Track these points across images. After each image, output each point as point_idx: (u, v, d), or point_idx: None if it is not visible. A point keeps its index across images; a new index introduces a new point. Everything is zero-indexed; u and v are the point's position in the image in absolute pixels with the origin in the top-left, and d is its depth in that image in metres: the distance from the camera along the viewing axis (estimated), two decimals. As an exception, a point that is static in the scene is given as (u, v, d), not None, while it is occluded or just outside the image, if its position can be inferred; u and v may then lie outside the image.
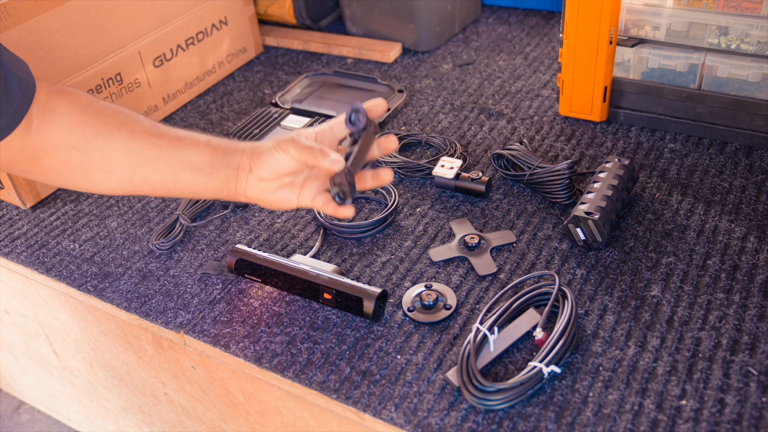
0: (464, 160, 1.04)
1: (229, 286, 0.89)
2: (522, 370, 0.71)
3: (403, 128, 1.16)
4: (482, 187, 0.97)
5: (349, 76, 1.31)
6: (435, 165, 1.01)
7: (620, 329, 0.76)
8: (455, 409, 0.70)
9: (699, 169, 0.99)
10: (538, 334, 0.74)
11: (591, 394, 0.70)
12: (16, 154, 0.73)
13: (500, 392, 0.68)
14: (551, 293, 0.78)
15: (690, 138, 1.05)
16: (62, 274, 0.94)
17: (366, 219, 0.97)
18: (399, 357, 0.76)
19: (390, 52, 1.36)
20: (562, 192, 0.93)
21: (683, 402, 0.68)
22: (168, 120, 1.25)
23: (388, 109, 1.19)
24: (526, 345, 0.76)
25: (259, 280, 0.87)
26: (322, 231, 0.96)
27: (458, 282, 0.85)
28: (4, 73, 0.68)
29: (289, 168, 0.76)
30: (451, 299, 0.82)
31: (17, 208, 1.08)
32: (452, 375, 0.73)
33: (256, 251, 0.88)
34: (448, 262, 0.88)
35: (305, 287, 0.83)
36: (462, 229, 0.92)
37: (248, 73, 1.38)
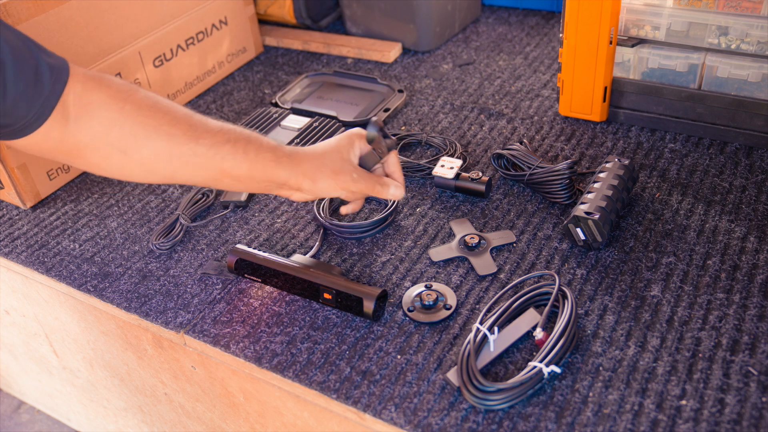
0: (464, 160, 1.04)
1: (229, 286, 0.89)
2: (522, 370, 0.71)
3: (403, 128, 1.16)
4: (482, 187, 0.97)
5: (349, 76, 1.31)
6: (435, 165, 1.01)
7: (620, 329, 0.76)
8: (455, 409, 0.70)
9: (699, 169, 0.99)
10: (538, 334, 0.74)
11: (591, 394, 0.70)
12: (56, 145, 0.71)
13: (500, 392, 0.68)
14: (551, 293, 0.78)
15: (690, 138, 1.05)
16: (62, 274, 0.94)
17: (366, 219, 0.97)
18: (399, 357, 0.76)
19: (390, 52, 1.36)
20: (562, 192, 0.93)
21: (683, 402, 0.68)
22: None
23: (387, 109, 1.19)
24: (526, 345, 0.76)
25: (259, 280, 0.87)
26: (321, 231, 0.96)
27: (458, 282, 0.85)
28: (36, 62, 0.66)
29: (338, 195, 0.82)
30: (451, 299, 0.82)
31: (17, 208, 1.08)
32: (452, 375, 0.73)
33: (256, 251, 0.88)
34: (448, 262, 0.88)
35: (305, 287, 0.83)
36: (462, 229, 0.92)
37: (248, 73, 1.38)
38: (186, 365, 0.89)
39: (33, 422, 1.56)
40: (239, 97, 1.30)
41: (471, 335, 0.74)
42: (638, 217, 0.91)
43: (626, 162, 0.92)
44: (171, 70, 1.25)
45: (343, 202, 0.90)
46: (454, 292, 0.83)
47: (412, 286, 0.85)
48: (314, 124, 1.12)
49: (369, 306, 0.79)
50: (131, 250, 0.97)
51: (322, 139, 1.09)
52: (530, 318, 0.77)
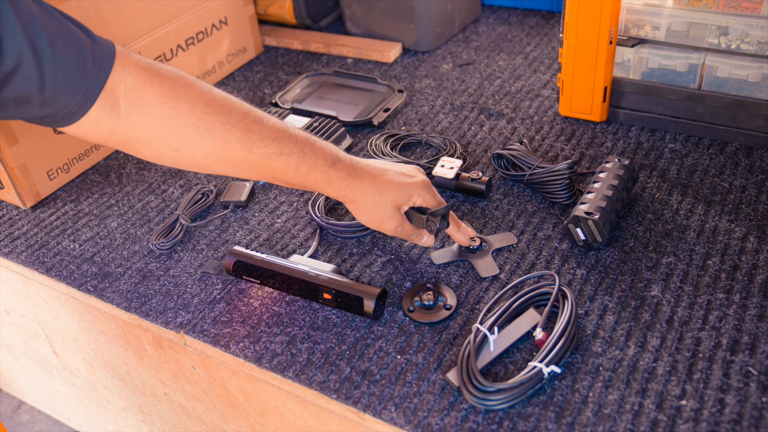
0: (464, 160, 1.04)
1: (229, 286, 0.89)
2: (522, 370, 0.71)
3: (403, 128, 1.16)
4: (482, 187, 0.97)
5: (349, 76, 1.31)
6: (435, 165, 1.01)
7: (620, 329, 0.76)
8: (455, 409, 0.70)
9: (699, 169, 0.99)
10: (538, 334, 0.74)
11: (591, 394, 0.70)
12: (109, 137, 0.71)
13: (500, 392, 0.68)
14: (551, 293, 0.78)
15: (690, 138, 1.05)
16: (62, 274, 0.94)
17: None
18: (399, 357, 0.76)
19: (390, 52, 1.36)
20: (562, 192, 0.93)
21: (683, 402, 0.68)
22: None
23: (387, 109, 1.19)
24: (526, 345, 0.76)
25: (258, 281, 0.87)
26: (318, 231, 0.96)
27: (458, 282, 0.85)
28: (77, 49, 0.65)
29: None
30: (452, 299, 0.82)
31: (17, 208, 1.08)
32: (452, 375, 0.73)
33: (254, 253, 0.88)
34: (449, 263, 0.88)
35: (305, 287, 0.83)
36: (462, 230, 0.92)
37: (248, 73, 1.38)
38: (186, 365, 0.89)
39: (33, 422, 1.56)
40: (239, 97, 1.30)
41: (471, 335, 0.74)
42: (638, 217, 0.91)
43: (626, 162, 0.92)
44: (171, 70, 1.24)
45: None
46: (454, 292, 0.83)
47: (412, 286, 0.85)
48: (314, 124, 1.12)
49: (369, 305, 0.79)
50: (131, 250, 0.97)
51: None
52: (530, 318, 0.77)
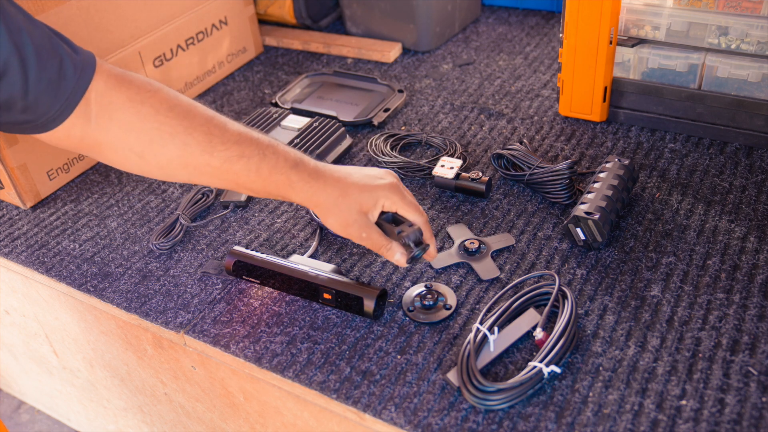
0: (464, 160, 1.04)
1: (229, 286, 0.89)
2: (522, 370, 0.71)
3: (403, 128, 1.16)
4: (482, 187, 0.97)
5: (349, 76, 1.31)
6: (435, 165, 1.01)
7: (620, 329, 0.76)
8: (455, 409, 0.70)
9: (699, 169, 0.99)
10: (538, 334, 0.74)
11: (591, 394, 0.70)
12: (78, 142, 0.72)
13: (500, 392, 0.68)
14: (551, 293, 0.78)
15: (690, 138, 1.05)
16: (62, 274, 0.94)
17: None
18: (399, 357, 0.76)
19: (390, 52, 1.36)
20: (562, 192, 0.93)
21: (683, 402, 0.68)
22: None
23: (387, 109, 1.19)
24: (526, 345, 0.76)
25: (258, 281, 0.87)
26: (318, 231, 0.96)
27: (458, 282, 0.85)
28: (60, 58, 0.67)
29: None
30: (451, 299, 0.82)
31: (17, 208, 1.08)
32: (452, 375, 0.73)
33: (254, 253, 0.88)
34: (448, 267, 0.88)
35: (305, 287, 0.83)
36: (460, 234, 0.92)
37: (248, 73, 1.38)
38: (186, 365, 0.89)
39: (33, 422, 1.56)
40: (239, 97, 1.30)
41: (471, 335, 0.74)
42: (638, 217, 0.91)
43: (626, 162, 0.92)
44: (171, 70, 1.25)
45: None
46: (454, 292, 0.83)
47: (412, 286, 0.85)
48: (314, 124, 1.12)
49: (369, 305, 0.79)
50: (131, 250, 0.97)
51: (322, 139, 1.09)
52: (530, 318, 0.77)
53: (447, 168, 0.99)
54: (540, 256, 0.87)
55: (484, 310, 0.77)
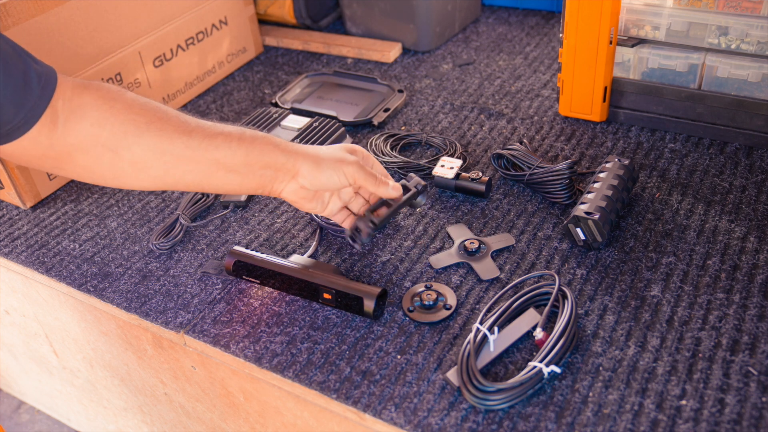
0: (464, 160, 1.04)
1: (229, 286, 0.89)
2: (522, 370, 0.71)
3: (403, 128, 1.16)
4: (482, 187, 0.97)
5: (348, 76, 1.31)
6: (435, 165, 1.01)
7: (620, 329, 0.76)
8: (455, 409, 0.70)
9: (699, 169, 0.99)
10: (538, 334, 0.74)
11: (591, 394, 0.70)
12: (46, 151, 0.71)
13: (500, 392, 0.68)
14: (551, 293, 0.78)
15: (690, 138, 1.05)
16: (62, 274, 0.94)
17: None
18: (399, 357, 0.76)
19: (390, 52, 1.36)
20: (562, 192, 0.93)
21: (683, 402, 0.68)
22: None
23: (387, 109, 1.19)
24: (526, 345, 0.76)
25: (258, 281, 0.87)
26: (318, 231, 0.96)
27: (458, 282, 0.85)
28: (24, 67, 0.66)
29: (337, 188, 0.80)
30: (451, 299, 0.82)
31: (17, 208, 1.08)
32: (452, 375, 0.73)
33: (254, 253, 0.88)
34: (448, 267, 0.88)
35: (305, 287, 0.83)
36: (460, 234, 0.92)
37: (248, 73, 1.38)
38: (186, 365, 0.89)
39: (33, 422, 1.56)
40: (239, 97, 1.30)
41: (471, 335, 0.74)
42: (638, 217, 0.91)
43: (626, 162, 0.92)
44: (171, 70, 1.25)
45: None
46: (454, 292, 0.83)
47: (412, 286, 0.85)
48: (314, 124, 1.12)
49: (369, 305, 0.79)
50: (131, 250, 0.97)
51: (322, 140, 1.09)
52: (530, 318, 0.77)
53: (447, 168, 0.99)
54: (540, 256, 0.87)
55: (484, 311, 0.77)
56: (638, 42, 1.04)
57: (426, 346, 0.77)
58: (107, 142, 0.71)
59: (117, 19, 1.13)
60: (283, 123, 1.15)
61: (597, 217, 0.84)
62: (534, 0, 1.49)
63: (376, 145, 1.09)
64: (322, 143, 1.08)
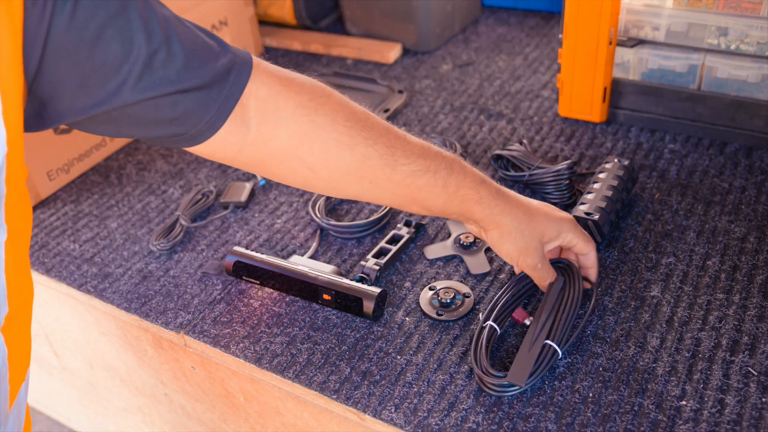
0: (464, 161, 1.04)
1: (229, 286, 0.89)
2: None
3: (403, 129, 1.16)
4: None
5: (348, 77, 1.31)
6: (435, 165, 1.01)
7: (620, 330, 0.76)
8: (455, 410, 0.70)
9: (699, 170, 0.99)
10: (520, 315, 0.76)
11: (591, 394, 0.70)
12: (235, 155, 0.65)
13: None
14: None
15: (690, 138, 1.05)
16: (62, 275, 0.94)
17: (366, 219, 0.97)
18: (399, 357, 0.76)
19: (390, 52, 1.37)
20: (562, 192, 0.93)
21: (683, 402, 0.68)
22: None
23: (387, 110, 1.19)
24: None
25: (258, 282, 0.87)
26: (318, 231, 0.96)
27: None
28: (214, 63, 0.59)
29: (552, 242, 0.76)
30: (464, 289, 0.83)
31: (17, 208, 1.08)
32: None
33: (254, 253, 0.88)
34: (446, 261, 0.88)
35: (304, 288, 0.83)
36: (458, 228, 0.92)
37: (248, 74, 1.38)
38: (186, 366, 0.89)
39: (33, 422, 1.56)
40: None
41: (485, 332, 0.74)
42: (638, 217, 0.91)
43: (626, 162, 0.92)
44: (171, 70, 1.24)
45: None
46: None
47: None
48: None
49: (369, 306, 0.79)
50: (131, 250, 0.97)
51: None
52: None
53: (447, 168, 0.99)
54: (540, 257, 0.87)
55: (488, 308, 0.77)
56: (638, 43, 1.04)
57: (426, 346, 0.77)
58: (305, 158, 0.66)
59: (117, 20, 1.13)
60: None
61: (597, 217, 0.84)
62: (534, 1, 1.49)
63: (376, 145, 1.09)
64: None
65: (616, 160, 0.93)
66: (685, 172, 0.99)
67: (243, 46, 1.39)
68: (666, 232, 0.89)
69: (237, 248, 0.89)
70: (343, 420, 0.75)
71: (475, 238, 0.89)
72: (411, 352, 0.77)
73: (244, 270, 0.87)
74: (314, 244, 0.93)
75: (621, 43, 1.04)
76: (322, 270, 0.84)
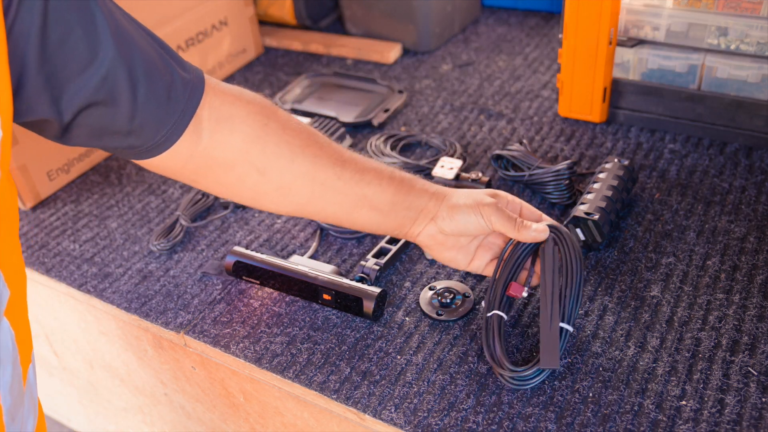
0: (464, 161, 1.04)
1: (229, 286, 0.89)
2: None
3: (402, 129, 1.16)
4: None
5: (348, 77, 1.31)
6: (435, 165, 1.01)
7: (620, 329, 0.76)
8: (455, 410, 0.70)
9: (699, 170, 0.99)
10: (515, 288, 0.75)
11: (591, 394, 0.70)
12: (186, 163, 0.66)
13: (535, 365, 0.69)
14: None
15: (690, 138, 1.05)
16: (62, 275, 0.94)
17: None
18: (399, 357, 0.76)
19: (390, 52, 1.37)
20: (562, 192, 0.93)
21: (683, 402, 0.68)
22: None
23: (387, 110, 1.19)
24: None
25: (258, 282, 0.87)
26: (318, 232, 0.96)
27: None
28: (171, 77, 0.61)
29: (476, 232, 0.74)
30: (463, 288, 0.82)
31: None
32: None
33: (254, 253, 0.88)
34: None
35: (304, 288, 0.83)
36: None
37: (248, 74, 1.38)
38: (186, 366, 0.89)
39: (33, 423, 1.56)
40: (239, 97, 1.30)
41: (493, 323, 0.73)
42: (638, 217, 0.91)
43: (626, 162, 0.92)
44: (171, 70, 1.24)
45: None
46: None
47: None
48: (314, 125, 1.12)
49: (369, 306, 0.79)
50: (131, 250, 0.97)
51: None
52: None
53: (447, 168, 0.99)
54: (540, 257, 0.87)
55: (488, 296, 0.77)
56: (638, 42, 1.04)
57: (426, 346, 0.77)
58: (256, 161, 0.67)
59: (117, 20, 1.13)
60: (283, 123, 1.15)
61: (597, 217, 0.84)
62: (534, 1, 1.49)
63: (375, 145, 1.09)
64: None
65: (616, 160, 0.93)
66: (685, 172, 0.99)
67: (243, 46, 1.39)
68: (666, 232, 0.89)
69: (237, 248, 0.89)
70: (343, 420, 0.75)
71: None
72: (411, 352, 0.77)
73: (244, 270, 0.87)
74: (314, 244, 0.93)
75: (621, 43, 1.04)
76: (322, 270, 0.84)
